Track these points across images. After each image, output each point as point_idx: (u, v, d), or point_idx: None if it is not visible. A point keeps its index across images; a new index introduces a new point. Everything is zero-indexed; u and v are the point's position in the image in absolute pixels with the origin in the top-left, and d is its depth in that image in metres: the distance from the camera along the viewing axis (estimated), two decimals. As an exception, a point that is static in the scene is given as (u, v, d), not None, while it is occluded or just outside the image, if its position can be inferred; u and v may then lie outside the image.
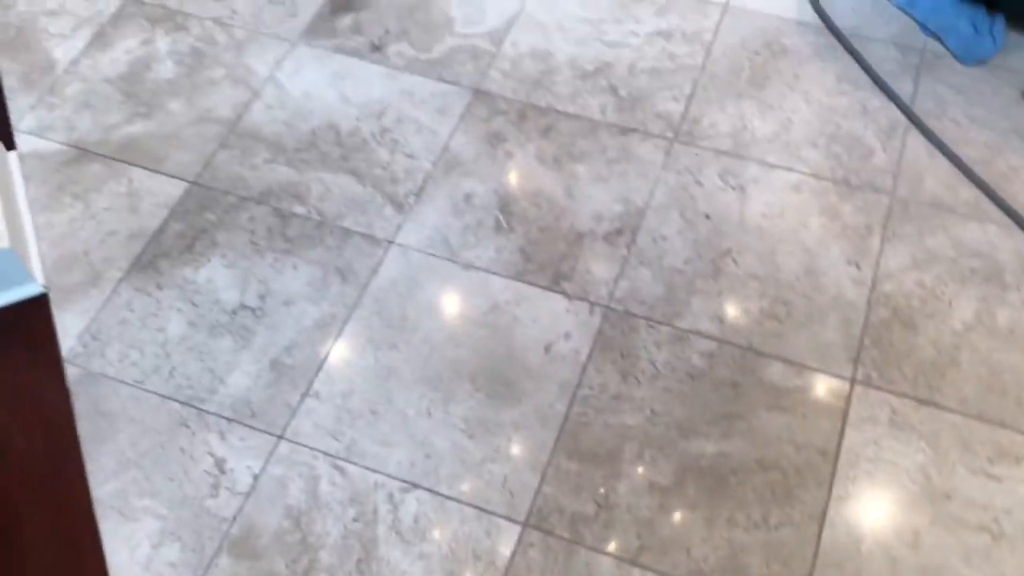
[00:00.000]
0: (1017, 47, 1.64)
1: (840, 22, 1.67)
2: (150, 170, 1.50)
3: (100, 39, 1.67)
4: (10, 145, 1.52)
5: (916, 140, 1.52)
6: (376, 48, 1.66)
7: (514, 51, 1.66)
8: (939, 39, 1.64)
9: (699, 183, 1.49)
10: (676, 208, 1.46)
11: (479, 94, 1.60)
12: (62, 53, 1.64)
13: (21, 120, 1.55)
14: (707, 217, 1.45)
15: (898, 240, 1.41)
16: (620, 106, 1.58)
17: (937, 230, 1.42)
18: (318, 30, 1.68)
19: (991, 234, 1.42)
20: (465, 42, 1.67)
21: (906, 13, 1.67)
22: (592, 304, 1.35)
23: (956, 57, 1.62)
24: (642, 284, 1.37)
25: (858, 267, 1.39)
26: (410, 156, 1.53)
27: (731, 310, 1.34)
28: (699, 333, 1.32)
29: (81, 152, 1.52)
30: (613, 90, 1.60)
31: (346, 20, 1.70)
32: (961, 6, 1.66)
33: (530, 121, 1.57)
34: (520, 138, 1.54)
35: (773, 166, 1.50)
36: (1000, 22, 1.64)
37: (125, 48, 1.65)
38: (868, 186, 1.47)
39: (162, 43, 1.66)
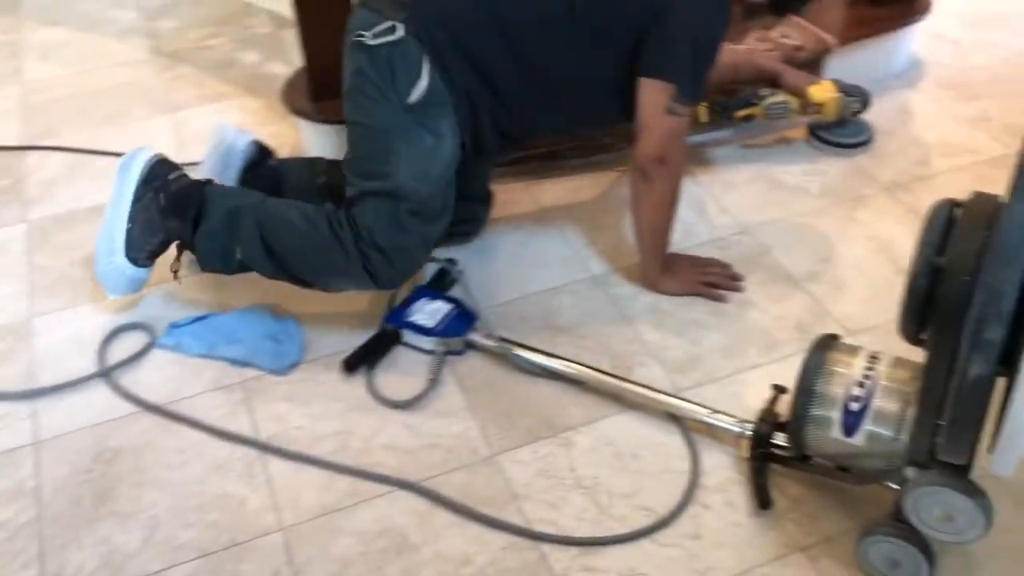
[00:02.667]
0: (323, 335, 1.77)
1: (156, 396, 1.65)
2: None
3: None
4: None
5: (278, 465, 1.54)
6: None
7: None
8: (251, 365, 1.70)
9: (92, 639, 1.32)
10: None
11: None
12: None
13: None
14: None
15: (309, 569, 1.39)
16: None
17: (334, 538, 1.43)
18: None
19: (380, 508, 1.47)
20: None
21: (209, 357, 1.72)
22: None
23: (272, 372, 1.69)
24: None
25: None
26: None
27: None
28: None
29: None
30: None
31: None
32: (254, 325, 1.75)
33: None
34: None
35: (156, 573, 1.39)
36: (292, 324, 1.76)
37: None
38: (256, 534, 1.43)
39: None
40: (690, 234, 1.96)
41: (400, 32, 1.59)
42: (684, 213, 1.96)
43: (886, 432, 1.28)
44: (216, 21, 2.76)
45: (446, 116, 1.64)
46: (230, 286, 1.86)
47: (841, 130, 2.22)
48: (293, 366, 1.70)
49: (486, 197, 1.95)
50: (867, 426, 1.29)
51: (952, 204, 1.16)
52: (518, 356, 1.66)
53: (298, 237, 1.66)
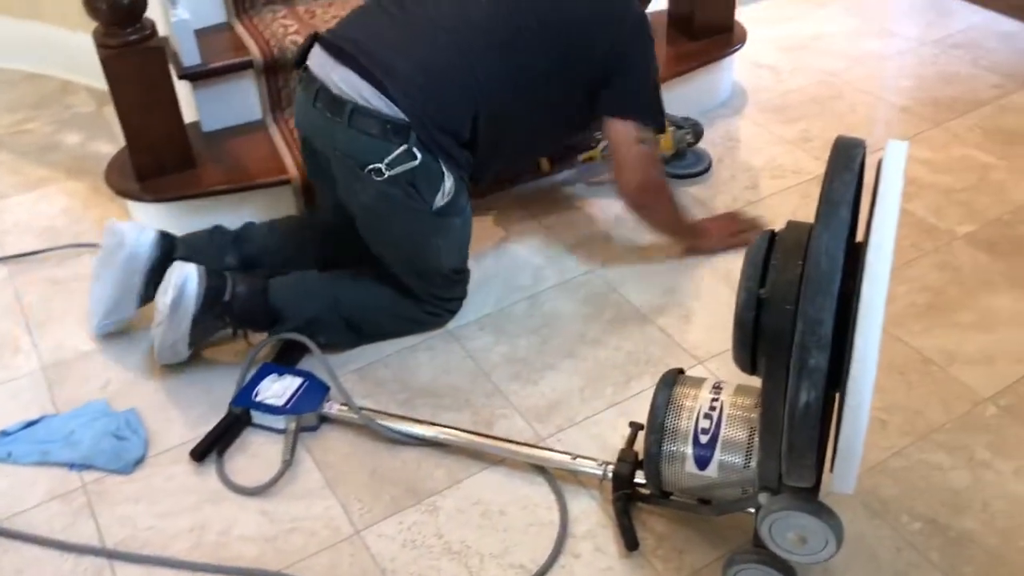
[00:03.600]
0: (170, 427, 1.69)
1: (-13, 515, 1.54)
2: None
3: None
4: None
5: (128, 571, 1.44)
6: None
7: None
8: (92, 467, 1.60)
9: None
10: None
11: None
12: None
13: None
14: None
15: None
16: None
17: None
18: None
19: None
20: None
21: (45, 464, 1.61)
22: None
23: (116, 471, 1.59)
24: None
25: None
26: None
27: None
28: None
29: None
30: None
31: None
32: (91, 423, 1.65)
33: None
34: None
35: None
36: (133, 416, 1.67)
37: None
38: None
39: None
40: (539, 278, 1.97)
41: (418, 156, 1.63)
42: (531, 258, 1.98)
43: (736, 460, 1.30)
44: (32, 103, 2.63)
45: (462, 192, 1.75)
46: (63, 382, 1.76)
47: (680, 161, 2.29)
48: (138, 463, 1.61)
49: None
50: (718, 456, 1.31)
51: (771, 235, 1.20)
52: (376, 424, 1.62)
53: (386, 318, 1.84)
